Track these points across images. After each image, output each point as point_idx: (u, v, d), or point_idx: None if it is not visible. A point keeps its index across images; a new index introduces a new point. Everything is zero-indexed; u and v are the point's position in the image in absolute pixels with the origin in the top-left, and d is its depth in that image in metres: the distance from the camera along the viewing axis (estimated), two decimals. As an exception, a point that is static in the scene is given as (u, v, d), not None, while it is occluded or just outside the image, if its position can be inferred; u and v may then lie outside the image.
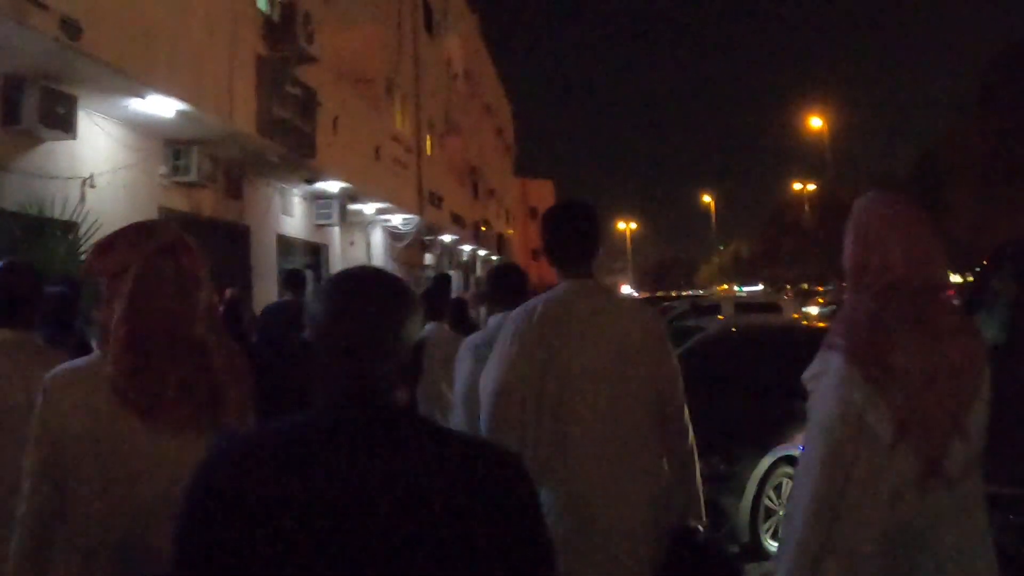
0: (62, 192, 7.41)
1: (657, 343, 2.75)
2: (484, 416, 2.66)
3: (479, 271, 29.52)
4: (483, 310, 5.71)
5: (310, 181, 12.91)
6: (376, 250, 18.32)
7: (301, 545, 1.17)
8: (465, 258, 28.38)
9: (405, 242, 19.60)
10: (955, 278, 40.75)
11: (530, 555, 1.28)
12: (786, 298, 22.74)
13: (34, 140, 7.23)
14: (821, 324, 8.33)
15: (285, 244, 13.42)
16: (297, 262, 13.47)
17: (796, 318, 13.50)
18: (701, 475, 2.78)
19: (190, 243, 1.96)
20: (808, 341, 2.19)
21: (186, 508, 1.24)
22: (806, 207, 45.43)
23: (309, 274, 10.38)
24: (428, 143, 21.35)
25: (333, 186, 13.44)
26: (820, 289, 38.78)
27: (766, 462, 5.50)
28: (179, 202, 9.83)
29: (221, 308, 5.95)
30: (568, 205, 2.91)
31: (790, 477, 5.18)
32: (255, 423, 1.98)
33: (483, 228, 29.72)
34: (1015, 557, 3.40)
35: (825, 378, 2.10)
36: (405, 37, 18.82)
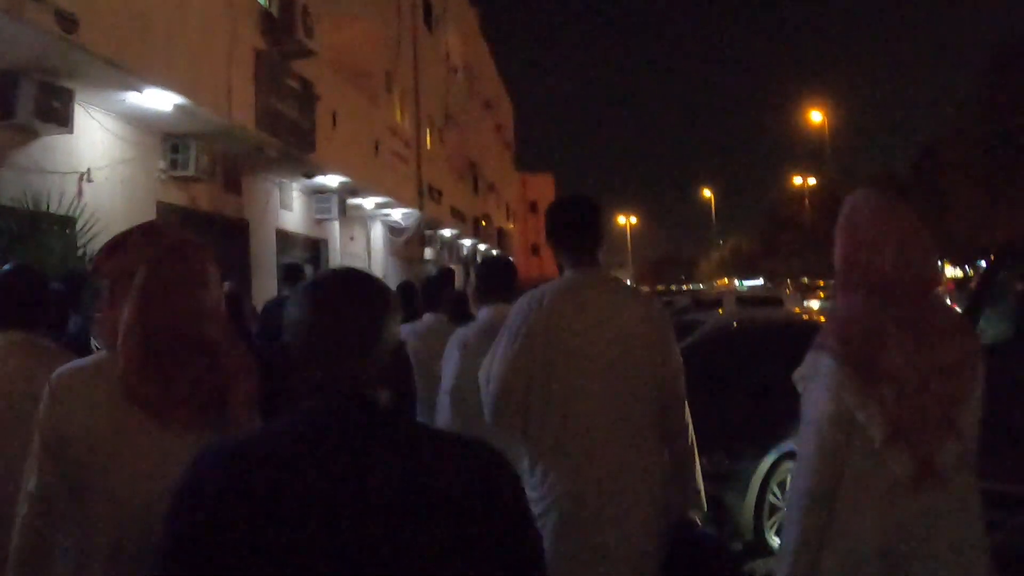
0: (59, 187, 7.35)
1: (663, 336, 2.77)
2: (488, 405, 2.68)
3: (479, 266, 29.43)
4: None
5: (309, 176, 12.86)
6: (376, 245, 18.29)
7: (287, 547, 1.17)
8: (465, 253, 28.34)
9: (405, 237, 19.58)
10: (955, 272, 40.82)
11: (518, 550, 1.28)
12: (788, 292, 22.71)
13: (30, 134, 7.16)
14: (823, 319, 8.29)
15: (284, 239, 13.37)
16: (296, 257, 13.43)
17: (798, 312, 13.45)
18: (705, 472, 2.81)
19: (198, 243, 1.97)
20: (811, 335, 2.17)
21: (171, 510, 1.25)
22: (806, 202, 45.40)
23: (308, 269, 10.35)
24: (428, 138, 21.31)
25: (332, 181, 13.39)
26: (821, 284, 38.74)
27: (770, 458, 5.46)
28: (177, 197, 9.78)
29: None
30: (573, 196, 3.00)
31: (794, 473, 5.13)
32: (260, 421, 1.98)
33: (483, 223, 29.69)
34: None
35: (815, 379, 2.09)
36: (404, 31, 18.75)
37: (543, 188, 53.32)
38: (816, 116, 37.48)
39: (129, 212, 8.43)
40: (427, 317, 4.96)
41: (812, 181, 45.39)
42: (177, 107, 8.27)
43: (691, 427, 2.79)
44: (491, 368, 2.69)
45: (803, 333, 2.46)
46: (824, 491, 2.03)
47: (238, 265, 11.00)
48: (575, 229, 2.81)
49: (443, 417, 3.53)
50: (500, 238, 34.86)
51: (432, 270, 16.77)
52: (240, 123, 9.49)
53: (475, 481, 1.26)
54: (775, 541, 5.33)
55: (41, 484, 1.82)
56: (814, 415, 2.07)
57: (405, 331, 4.82)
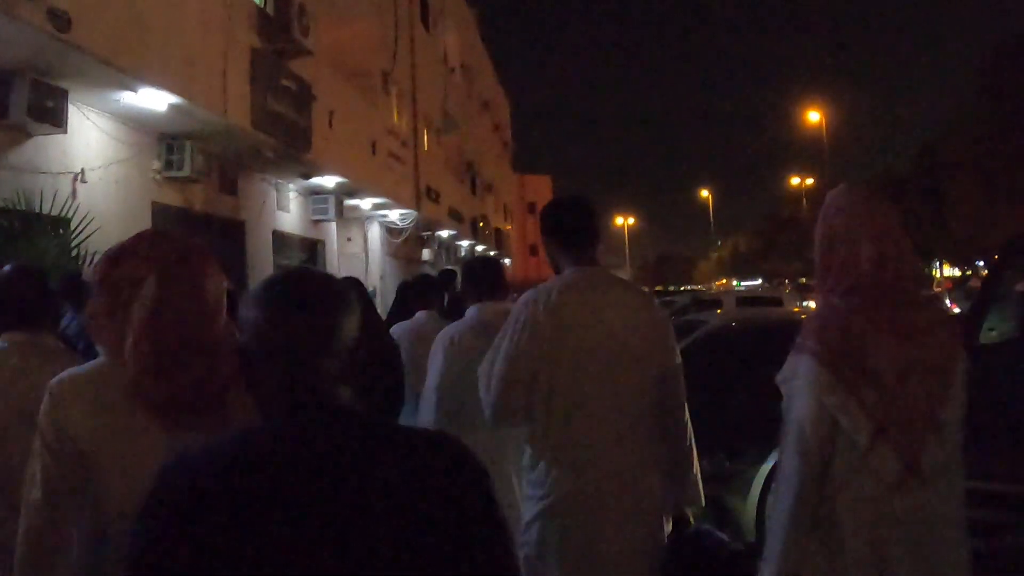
0: (52, 187, 7.29)
1: (663, 335, 2.80)
2: (490, 404, 2.69)
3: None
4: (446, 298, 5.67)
5: (306, 176, 12.81)
6: (373, 246, 18.25)
7: (249, 552, 1.18)
8: (463, 254, 28.31)
9: (402, 238, 19.55)
10: (954, 272, 40.82)
11: (485, 544, 1.28)
12: (787, 292, 22.82)
13: (23, 134, 7.11)
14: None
15: (281, 240, 13.32)
16: (293, 258, 13.39)
17: (796, 311, 13.42)
18: (706, 473, 2.85)
19: (203, 248, 2.04)
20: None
21: (138, 518, 1.26)
22: (804, 202, 45.46)
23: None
24: (425, 138, 21.26)
25: (329, 181, 13.33)
26: (819, 283, 38.62)
27: (772, 459, 5.41)
28: (172, 197, 9.72)
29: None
30: (571, 196, 3.04)
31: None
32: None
33: (481, 224, 29.67)
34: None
35: (796, 381, 2.09)
36: (401, 31, 18.69)
37: (541, 189, 53.45)
38: (814, 116, 37.48)
39: (123, 213, 8.38)
40: (420, 315, 4.95)
41: (810, 181, 45.45)
42: (172, 107, 8.20)
43: (690, 426, 2.82)
44: (493, 367, 2.69)
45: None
46: (808, 492, 2.04)
47: (234, 267, 10.94)
48: (576, 227, 2.83)
49: (427, 414, 3.54)
50: (498, 239, 34.85)
51: (431, 271, 16.72)
52: (236, 123, 9.42)
53: (439, 477, 1.27)
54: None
55: (44, 486, 1.83)
56: (796, 418, 2.08)
57: (399, 329, 4.80)
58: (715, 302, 16.51)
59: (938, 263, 39.91)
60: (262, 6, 10.45)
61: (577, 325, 2.64)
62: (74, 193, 7.68)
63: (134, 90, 7.69)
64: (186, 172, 9.36)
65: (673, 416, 2.77)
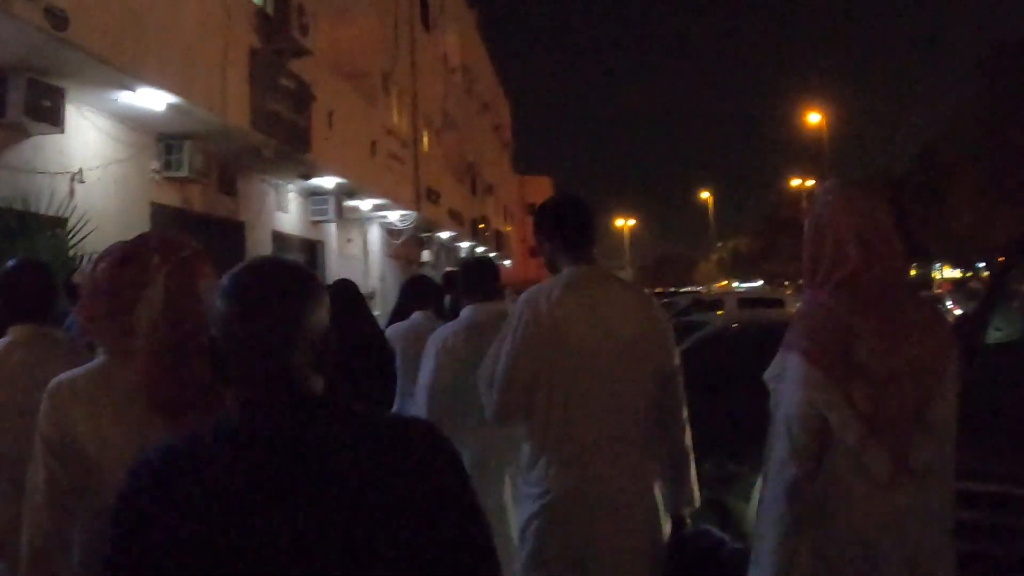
0: (50, 187, 7.26)
1: (663, 334, 2.81)
2: (493, 400, 2.69)
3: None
4: (448, 299, 5.67)
5: (306, 176, 12.78)
6: (373, 247, 18.23)
7: (222, 546, 1.18)
8: (463, 255, 28.29)
9: (402, 239, 19.52)
10: (954, 273, 40.78)
11: (460, 519, 1.29)
12: (788, 294, 22.85)
13: (20, 134, 7.07)
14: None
15: (281, 241, 13.28)
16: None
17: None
18: (708, 475, 2.92)
19: (202, 250, 2.07)
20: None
21: (112, 516, 1.26)
22: (804, 203, 45.45)
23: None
24: (425, 139, 21.24)
25: (329, 182, 13.30)
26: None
27: (773, 460, 5.37)
28: (171, 198, 9.68)
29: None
30: (568, 195, 3.09)
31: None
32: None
33: (481, 225, 29.64)
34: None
35: (785, 378, 2.08)
36: (401, 31, 18.66)
37: (541, 190, 53.35)
38: (814, 117, 37.44)
39: (122, 213, 8.35)
40: (416, 315, 4.95)
41: (811, 183, 45.43)
42: (171, 106, 8.17)
43: (688, 426, 2.83)
44: (495, 366, 2.69)
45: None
46: (797, 490, 2.03)
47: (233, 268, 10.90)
48: (574, 227, 2.83)
49: (418, 413, 3.54)
50: (498, 240, 34.82)
51: (431, 272, 16.70)
52: (235, 123, 9.39)
53: (412, 460, 1.27)
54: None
55: (47, 488, 1.84)
56: (785, 415, 2.06)
57: (395, 330, 4.80)
58: (716, 303, 16.49)
59: (938, 265, 39.91)
60: (261, 5, 10.42)
61: (577, 323, 2.64)
62: (72, 193, 7.65)
63: (132, 89, 7.66)
64: (185, 172, 9.33)
65: (672, 416, 2.79)
